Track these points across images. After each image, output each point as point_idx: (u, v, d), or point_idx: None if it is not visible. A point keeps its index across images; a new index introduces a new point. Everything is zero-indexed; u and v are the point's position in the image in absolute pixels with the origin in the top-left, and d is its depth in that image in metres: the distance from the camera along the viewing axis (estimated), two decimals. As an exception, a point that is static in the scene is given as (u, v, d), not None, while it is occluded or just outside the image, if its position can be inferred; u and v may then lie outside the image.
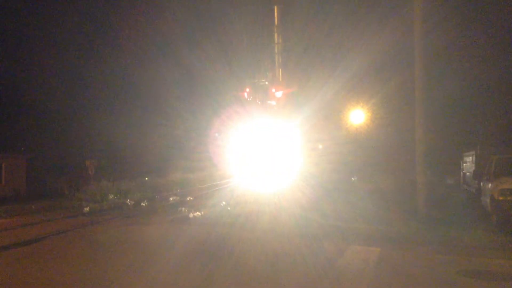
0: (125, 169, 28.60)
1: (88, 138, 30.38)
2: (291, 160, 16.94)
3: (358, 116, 24.46)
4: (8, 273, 7.55)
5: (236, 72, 19.59)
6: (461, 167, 22.43)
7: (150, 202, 18.23)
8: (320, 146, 24.01)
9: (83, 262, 8.38)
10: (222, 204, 15.90)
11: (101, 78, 31.53)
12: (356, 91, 24.22)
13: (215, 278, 7.13)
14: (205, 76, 27.41)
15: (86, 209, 15.91)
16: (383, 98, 23.10)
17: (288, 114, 17.36)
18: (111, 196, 19.66)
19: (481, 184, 14.00)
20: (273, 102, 17.95)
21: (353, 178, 24.43)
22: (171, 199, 19.38)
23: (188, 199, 18.85)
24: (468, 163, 20.64)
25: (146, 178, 26.06)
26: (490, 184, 12.09)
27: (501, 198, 10.89)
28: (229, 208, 15.25)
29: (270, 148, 16.74)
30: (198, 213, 14.28)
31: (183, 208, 15.46)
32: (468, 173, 20.20)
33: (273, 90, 17.63)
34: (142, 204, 17.49)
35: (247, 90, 17.75)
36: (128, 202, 17.72)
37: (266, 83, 18.16)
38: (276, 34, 18.40)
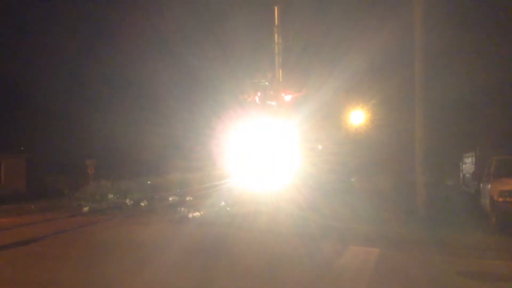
0: (124, 168, 28.54)
1: (88, 137, 30.35)
2: (289, 160, 16.94)
3: (358, 116, 24.45)
4: (7, 273, 7.54)
5: (235, 71, 19.59)
6: (461, 168, 22.44)
7: (150, 202, 18.22)
8: (320, 147, 24.00)
9: (82, 262, 8.38)
10: (221, 204, 15.90)
11: (99, 77, 31.45)
12: (355, 92, 24.20)
13: (213, 277, 7.13)
14: (204, 75, 27.39)
15: (86, 209, 15.90)
16: (383, 98, 23.08)
17: (288, 114, 17.36)
18: (110, 196, 19.63)
19: (481, 185, 14.00)
20: (273, 103, 17.95)
21: (352, 179, 24.40)
22: (170, 199, 19.36)
23: (187, 199, 18.84)
24: (468, 164, 20.65)
25: (146, 179, 26.03)
26: (489, 186, 12.08)
27: (500, 199, 10.88)
28: (228, 209, 15.26)
29: (269, 148, 16.75)
30: (197, 213, 14.30)
31: (182, 208, 15.46)
32: (467, 174, 20.23)
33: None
34: (142, 204, 17.49)
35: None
36: (127, 202, 17.70)
37: (266, 83, 18.15)
38: (276, 34, 18.40)
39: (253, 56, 18.77)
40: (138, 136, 31.03)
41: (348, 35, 21.77)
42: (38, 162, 27.81)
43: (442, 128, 21.07)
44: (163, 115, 30.68)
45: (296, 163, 17.27)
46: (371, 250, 9.05)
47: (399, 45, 19.06)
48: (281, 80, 18.14)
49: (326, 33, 21.92)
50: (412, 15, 13.94)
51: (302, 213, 13.42)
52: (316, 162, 19.55)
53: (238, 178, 17.31)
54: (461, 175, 22.33)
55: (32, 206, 17.03)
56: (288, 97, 17.62)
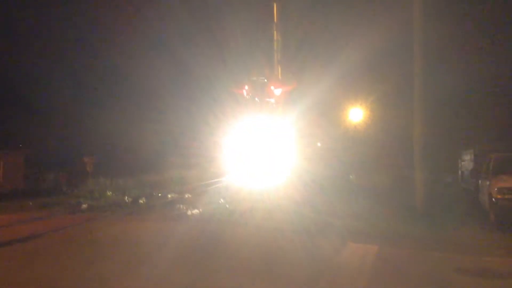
0: (122, 165, 28.55)
1: (86, 135, 30.34)
2: (287, 157, 16.95)
3: (357, 113, 24.47)
4: (5, 270, 7.53)
5: (233, 69, 19.55)
6: (460, 165, 22.45)
7: (148, 199, 18.21)
8: (319, 144, 24.02)
9: (81, 259, 8.37)
10: (220, 201, 15.92)
11: (97, 74, 31.38)
12: (354, 89, 24.24)
13: (210, 274, 7.13)
14: (201, 72, 27.32)
15: (84, 206, 15.88)
16: (382, 95, 23.11)
17: (286, 111, 17.35)
18: (109, 193, 19.63)
19: (479, 182, 14.01)
20: (272, 100, 17.94)
21: (351, 176, 24.42)
22: (169, 196, 19.36)
23: (186, 196, 18.84)
24: (467, 161, 20.66)
25: (144, 176, 26.04)
26: (488, 182, 12.10)
27: (499, 196, 10.90)
28: (227, 206, 15.26)
29: (266, 145, 16.75)
30: (196, 210, 14.30)
31: (181, 205, 15.45)
32: (466, 171, 20.23)
33: (272, 87, 17.59)
34: (140, 201, 17.47)
35: (246, 87, 17.72)
36: (126, 199, 17.68)
37: (265, 80, 18.14)
38: (275, 31, 18.36)
39: (251, 53, 18.73)
40: (135, 133, 31.01)
41: (347, 32, 21.75)
42: (36, 159, 27.79)
43: (441, 125, 21.09)
44: (160, 112, 30.68)
45: (294, 160, 17.28)
46: (370, 247, 9.05)
47: (398, 42, 19.08)
48: (280, 77, 18.13)
49: (324, 31, 21.92)
50: (411, 10, 13.92)
51: (300, 210, 13.43)
52: (313, 159, 19.57)
53: (236, 175, 17.32)
54: (460, 172, 22.35)
55: (31, 203, 16.98)
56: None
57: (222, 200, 16.04)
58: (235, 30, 19.83)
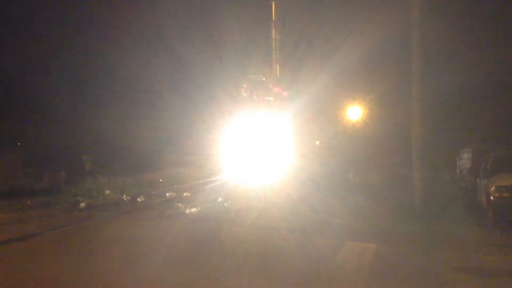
0: (120, 164, 28.53)
1: (84, 133, 30.28)
2: (285, 155, 16.96)
3: (355, 111, 24.46)
4: (2, 268, 7.53)
5: (231, 67, 19.54)
6: (457, 163, 22.47)
7: (147, 198, 18.21)
8: (317, 142, 24.01)
9: (79, 258, 8.37)
10: (218, 200, 15.94)
11: (92, 70, 31.28)
12: (353, 87, 24.23)
13: (208, 272, 7.13)
14: (198, 70, 27.27)
15: (82, 204, 15.88)
16: (380, 94, 23.10)
17: (283, 109, 17.36)
18: (107, 192, 19.62)
19: (477, 180, 14.02)
20: (270, 98, 17.94)
21: (348, 174, 24.43)
22: (167, 194, 19.36)
23: (184, 194, 18.84)
24: (464, 159, 20.67)
25: (142, 174, 26.05)
26: (486, 181, 12.11)
27: (496, 195, 10.91)
28: (225, 204, 15.29)
29: (263, 143, 16.75)
30: (194, 209, 14.32)
31: (179, 204, 15.47)
32: (464, 170, 20.25)
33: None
34: (139, 199, 17.47)
35: (244, 85, 17.72)
36: (124, 197, 17.69)
37: (264, 79, 18.13)
38: (273, 30, 18.35)
39: (249, 52, 18.72)
40: (132, 131, 30.96)
41: (345, 31, 21.75)
42: (34, 157, 27.76)
43: (439, 123, 21.11)
44: (156, 110, 30.63)
45: (291, 158, 17.28)
46: (367, 246, 9.07)
47: (396, 40, 19.09)
48: (278, 75, 18.13)
49: (322, 29, 21.90)
50: (409, 8, 13.92)
51: (297, 209, 13.46)
52: (311, 157, 19.56)
53: (234, 173, 17.33)
54: (458, 170, 22.36)
55: (29, 202, 16.97)
56: (285, 93, 17.63)
57: (220, 198, 16.06)
58: (233, 28, 19.81)
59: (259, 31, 18.70)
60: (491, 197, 11.12)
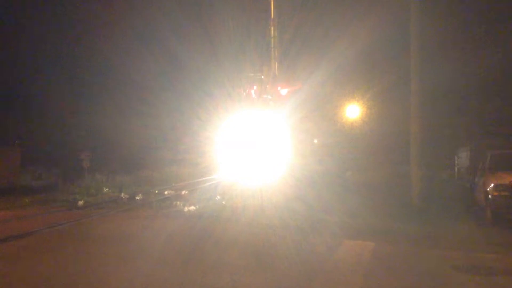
0: (118, 162, 28.51)
1: (82, 131, 30.21)
2: (282, 154, 16.96)
3: (353, 110, 24.45)
4: (1, 266, 7.51)
5: (228, 64, 19.50)
6: (456, 162, 22.47)
7: (145, 196, 18.19)
8: (315, 141, 24.00)
9: (77, 255, 8.36)
10: (216, 198, 15.94)
11: (87, 67, 31.11)
12: (351, 85, 24.21)
13: (207, 270, 7.13)
14: (195, 68, 27.16)
15: (81, 202, 15.84)
16: (379, 92, 23.08)
17: (283, 108, 17.36)
18: (105, 190, 19.61)
19: (476, 179, 14.04)
20: (269, 96, 17.93)
21: (347, 172, 24.42)
22: (166, 192, 19.34)
23: (182, 193, 18.81)
24: (463, 158, 20.67)
25: (140, 173, 26.05)
26: (484, 179, 12.13)
27: (495, 193, 10.93)
28: (223, 202, 15.29)
29: (261, 141, 16.74)
30: (193, 207, 14.32)
31: (178, 202, 15.47)
32: (463, 168, 20.26)
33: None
34: (137, 197, 17.44)
35: (243, 84, 17.72)
36: (122, 195, 17.67)
37: (262, 77, 18.13)
38: (272, 28, 18.34)
39: (246, 49, 18.70)
40: (129, 128, 30.86)
41: (344, 29, 21.71)
42: (32, 155, 27.70)
43: (437, 121, 21.10)
44: (152, 107, 30.55)
45: (289, 157, 17.28)
46: (366, 244, 9.07)
47: (395, 37, 19.08)
48: (277, 73, 18.12)
49: (322, 27, 21.88)
50: (407, 5, 13.93)
51: (296, 207, 13.46)
52: (309, 155, 19.56)
53: (231, 171, 17.33)
54: (456, 169, 22.37)
55: (27, 200, 16.94)
56: (284, 91, 17.61)
57: (218, 197, 16.05)
58: (230, 25, 19.77)
59: (257, 29, 18.68)
60: (490, 196, 11.14)
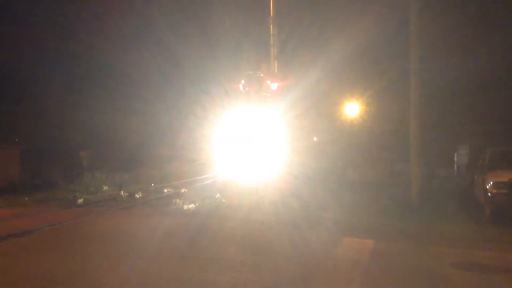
0: (117, 159, 28.45)
1: (81, 128, 30.15)
2: (281, 151, 16.97)
3: (353, 107, 24.46)
4: (1, 264, 7.53)
5: (228, 63, 19.48)
6: (455, 159, 22.52)
7: (145, 194, 18.21)
8: (315, 138, 24.03)
9: (77, 253, 8.38)
10: (216, 196, 15.97)
11: (85, 64, 31.00)
12: (351, 83, 24.20)
13: (206, 268, 7.15)
14: (194, 66, 27.09)
15: (80, 200, 15.86)
16: (379, 90, 23.07)
17: (280, 105, 17.35)
18: (105, 188, 19.63)
19: (475, 177, 14.06)
20: (268, 94, 17.93)
21: (346, 170, 24.44)
22: (165, 190, 19.37)
23: (182, 191, 18.86)
24: (462, 155, 20.72)
25: (140, 171, 26.03)
26: (484, 177, 12.14)
27: (494, 191, 10.94)
28: (223, 200, 15.32)
29: (260, 138, 16.75)
30: (192, 205, 14.35)
31: (177, 200, 15.49)
32: (462, 166, 20.30)
33: (268, 82, 17.58)
34: (137, 195, 17.47)
35: (242, 82, 17.71)
36: (122, 193, 17.68)
37: (262, 75, 18.11)
38: (271, 26, 18.31)
39: (245, 47, 18.68)
40: (129, 127, 30.82)
41: (343, 28, 21.69)
42: (32, 153, 27.68)
43: (437, 119, 21.12)
44: (149, 104, 30.50)
45: (288, 154, 17.30)
46: (365, 242, 9.09)
47: (395, 35, 19.07)
48: (276, 71, 18.11)
49: (321, 26, 21.86)
50: (407, 5, 13.93)
51: (295, 205, 13.50)
52: (307, 153, 19.58)
53: (230, 169, 17.34)
54: (456, 166, 22.41)
55: (27, 198, 16.94)
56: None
57: (218, 194, 16.08)
58: (228, 22, 19.73)
59: (257, 26, 18.67)
60: (489, 193, 11.15)
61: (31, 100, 29.19)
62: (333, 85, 23.44)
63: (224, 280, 6.58)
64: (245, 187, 15.71)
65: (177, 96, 30.20)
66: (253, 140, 16.70)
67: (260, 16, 18.63)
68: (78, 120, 29.90)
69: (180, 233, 10.49)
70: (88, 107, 29.69)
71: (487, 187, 11.30)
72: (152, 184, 22.06)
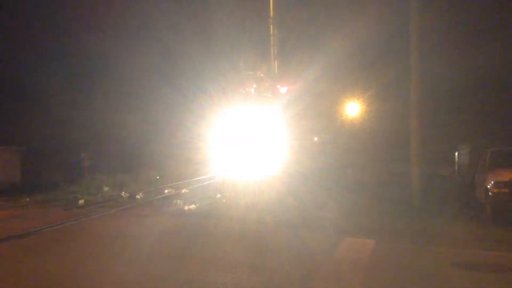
0: (117, 160, 28.45)
1: (81, 129, 30.13)
2: (281, 151, 16.99)
3: (353, 107, 24.44)
4: (1, 266, 7.53)
5: (225, 62, 19.47)
6: (456, 159, 22.48)
7: (145, 195, 18.21)
8: (316, 138, 24.01)
9: (78, 255, 8.38)
10: (217, 196, 15.98)
11: (82, 64, 30.92)
12: (351, 83, 24.19)
13: (207, 267, 7.15)
14: (195, 65, 27.05)
15: (81, 201, 15.86)
16: (379, 89, 23.06)
17: (281, 105, 17.37)
18: (105, 189, 19.62)
19: (476, 176, 14.05)
20: (269, 94, 17.94)
21: (347, 171, 24.42)
22: (166, 191, 19.37)
23: (183, 191, 18.85)
24: (463, 155, 20.68)
25: (140, 172, 26.03)
26: (484, 176, 12.13)
27: (495, 190, 10.94)
28: (224, 201, 15.32)
29: (258, 138, 16.77)
30: (193, 206, 14.37)
31: (178, 201, 15.51)
32: (463, 165, 20.26)
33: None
34: (137, 196, 17.46)
35: (243, 81, 17.74)
36: (123, 194, 17.68)
37: (262, 75, 18.13)
38: (271, 26, 18.31)
39: (246, 47, 18.68)
40: (128, 127, 30.79)
41: (343, 27, 21.69)
42: (33, 154, 27.69)
43: (437, 119, 21.11)
44: (147, 103, 30.46)
45: (289, 154, 17.31)
46: (366, 242, 9.08)
47: (395, 35, 19.07)
48: (276, 71, 18.13)
49: (321, 25, 21.86)
50: (407, 3, 13.93)
51: (297, 205, 13.50)
52: (303, 152, 19.57)
53: (230, 169, 17.36)
54: (456, 166, 22.37)
55: (28, 199, 16.95)
56: (284, 89, 17.63)
57: (218, 195, 16.09)
58: (228, 21, 19.72)
59: (256, 26, 18.67)
60: (490, 193, 11.14)
61: (30, 100, 29.18)
62: (333, 85, 23.44)
63: (224, 280, 6.57)
64: (247, 187, 15.71)
65: (175, 95, 30.15)
66: (252, 139, 16.73)
67: (259, 16, 18.64)
68: (78, 119, 29.90)
69: (180, 234, 10.49)
70: (87, 106, 29.68)
71: (488, 186, 11.29)
72: (153, 185, 22.06)
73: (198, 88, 23.22)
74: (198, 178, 24.59)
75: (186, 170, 27.21)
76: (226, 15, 19.90)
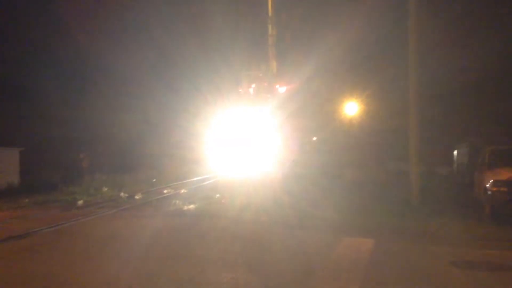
0: (116, 161, 28.47)
1: (80, 130, 30.12)
2: (281, 151, 17.01)
3: (351, 107, 24.46)
4: (1, 266, 7.53)
5: (228, 62, 19.49)
6: (455, 158, 22.53)
7: (144, 195, 18.21)
8: (314, 138, 24.02)
9: (77, 255, 8.38)
10: (216, 196, 15.99)
11: (79, 64, 30.93)
12: (350, 82, 24.21)
13: (207, 267, 7.16)
14: (193, 65, 27.05)
15: (80, 202, 15.86)
16: (377, 89, 23.09)
17: (279, 104, 17.39)
18: (105, 189, 19.61)
19: (475, 175, 14.06)
20: (267, 94, 17.97)
21: (345, 170, 24.44)
22: (165, 191, 19.37)
23: (182, 191, 18.86)
24: (462, 154, 20.72)
25: (140, 173, 26.04)
26: (483, 175, 12.15)
27: (494, 189, 10.95)
28: (223, 201, 15.32)
29: (255, 138, 16.80)
30: (192, 206, 14.37)
31: (177, 201, 15.51)
32: (461, 164, 20.31)
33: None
34: (136, 197, 17.47)
35: (242, 81, 17.77)
36: (122, 195, 17.69)
37: (261, 75, 18.15)
38: (270, 26, 18.33)
39: (244, 47, 18.71)
40: (127, 128, 30.80)
41: (342, 26, 21.70)
42: (32, 155, 27.67)
43: (436, 118, 21.14)
44: (138, 97, 30.47)
45: (286, 154, 17.33)
46: (365, 241, 9.09)
47: (393, 35, 19.10)
48: (275, 71, 18.15)
49: (320, 25, 21.87)
50: (406, 3, 13.94)
51: (297, 205, 13.51)
52: (307, 152, 19.59)
53: (227, 169, 17.39)
54: (455, 165, 22.42)
55: (27, 200, 16.93)
56: (282, 89, 17.66)
57: (217, 195, 16.10)
58: (224, 22, 19.73)
59: (254, 26, 18.69)
60: (489, 192, 11.15)
61: (29, 100, 29.18)
62: (331, 84, 23.47)
63: (224, 280, 6.58)
64: (244, 187, 15.74)
65: (174, 95, 30.17)
66: (249, 139, 16.75)
67: (259, 16, 18.66)
68: (77, 120, 29.89)
69: (179, 234, 10.48)
70: (86, 107, 29.68)
71: (487, 185, 11.31)
72: (152, 185, 22.06)
73: (195, 88, 23.26)
74: (197, 178, 24.59)
75: (185, 169, 27.21)
76: (226, 15, 19.92)
